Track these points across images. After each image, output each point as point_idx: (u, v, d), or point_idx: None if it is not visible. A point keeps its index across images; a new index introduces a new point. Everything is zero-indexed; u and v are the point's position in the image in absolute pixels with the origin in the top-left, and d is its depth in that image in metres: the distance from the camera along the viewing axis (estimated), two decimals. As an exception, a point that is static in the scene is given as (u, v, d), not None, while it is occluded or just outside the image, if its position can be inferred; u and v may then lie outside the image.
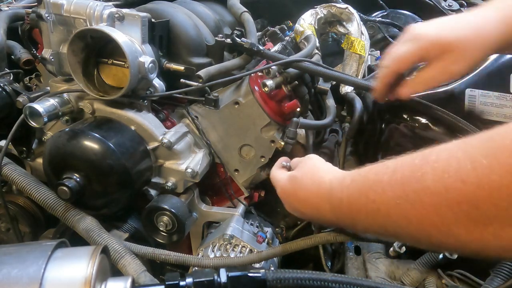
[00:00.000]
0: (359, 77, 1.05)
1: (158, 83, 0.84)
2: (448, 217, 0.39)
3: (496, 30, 0.59)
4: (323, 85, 0.93)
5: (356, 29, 1.07)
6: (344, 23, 1.10)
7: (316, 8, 1.10)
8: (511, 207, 0.34)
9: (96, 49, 0.82)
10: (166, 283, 0.49)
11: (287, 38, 1.07)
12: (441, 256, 0.72)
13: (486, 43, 0.59)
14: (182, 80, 0.85)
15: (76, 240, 0.77)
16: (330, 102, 0.86)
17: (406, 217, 0.43)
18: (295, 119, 0.80)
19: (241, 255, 0.83)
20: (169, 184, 0.88)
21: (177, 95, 0.87)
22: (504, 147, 0.35)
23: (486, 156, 0.36)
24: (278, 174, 0.67)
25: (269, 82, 0.83)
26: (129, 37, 0.78)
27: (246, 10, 1.00)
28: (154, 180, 0.88)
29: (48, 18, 0.82)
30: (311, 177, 0.59)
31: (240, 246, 0.86)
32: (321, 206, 0.56)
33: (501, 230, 0.36)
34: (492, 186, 0.35)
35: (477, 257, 0.42)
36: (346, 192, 0.51)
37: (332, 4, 1.09)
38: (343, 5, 1.08)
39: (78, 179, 0.75)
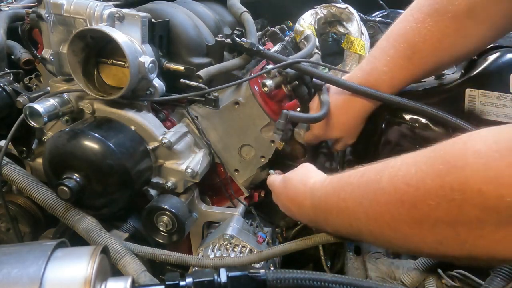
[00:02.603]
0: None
1: (158, 83, 0.84)
2: (396, 214, 0.45)
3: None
4: (318, 80, 0.92)
5: (356, 29, 1.07)
6: (344, 23, 1.10)
7: (316, 8, 1.10)
8: (439, 207, 0.40)
9: (96, 49, 0.82)
10: (166, 283, 0.49)
11: (287, 38, 1.07)
12: None
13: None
14: (182, 80, 0.85)
15: (76, 240, 0.77)
16: (324, 97, 0.85)
17: (367, 215, 0.49)
18: (284, 111, 0.79)
19: (241, 255, 0.83)
20: (169, 184, 0.88)
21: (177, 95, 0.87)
22: (440, 156, 0.42)
23: (425, 163, 0.43)
24: (274, 177, 0.80)
25: (269, 82, 0.83)
26: (129, 37, 0.78)
27: (246, 10, 1.00)
28: (154, 180, 0.88)
29: (48, 18, 0.82)
30: (301, 178, 0.68)
31: (240, 246, 0.86)
32: (304, 203, 0.64)
33: (433, 228, 0.42)
34: (426, 188, 0.41)
35: (422, 253, 0.50)
36: (324, 190, 0.59)
37: (332, 4, 1.09)
38: (343, 5, 1.08)
39: (78, 179, 0.75)
